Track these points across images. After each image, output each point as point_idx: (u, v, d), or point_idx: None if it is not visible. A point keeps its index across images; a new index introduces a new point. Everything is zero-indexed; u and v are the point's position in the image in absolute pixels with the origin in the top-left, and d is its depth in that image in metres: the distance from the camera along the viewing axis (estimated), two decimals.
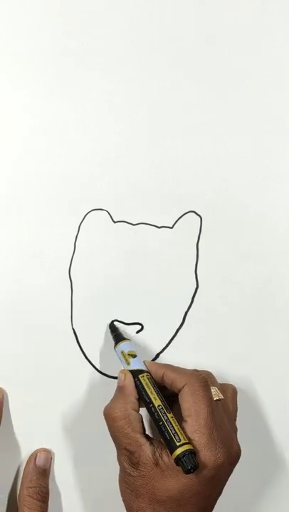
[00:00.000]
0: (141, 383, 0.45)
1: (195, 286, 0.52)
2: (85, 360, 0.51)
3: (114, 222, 0.53)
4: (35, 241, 0.52)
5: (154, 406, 0.43)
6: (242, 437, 0.45)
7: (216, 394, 0.45)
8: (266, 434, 0.51)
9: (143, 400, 0.45)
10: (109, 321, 0.51)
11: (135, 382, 0.46)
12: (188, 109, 0.54)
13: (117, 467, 0.45)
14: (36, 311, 0.52)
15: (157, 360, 0.51)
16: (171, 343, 0.51)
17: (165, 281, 0.52)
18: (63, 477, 0.51)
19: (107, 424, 0.45)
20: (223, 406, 0.45)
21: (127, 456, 0.43)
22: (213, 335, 0.52)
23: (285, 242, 0.53)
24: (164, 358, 0.51)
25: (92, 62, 0.54)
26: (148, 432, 0.46)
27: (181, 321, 0.51)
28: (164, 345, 0.51)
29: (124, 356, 0.48)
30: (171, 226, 0.53)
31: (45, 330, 0.51)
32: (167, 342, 0.51)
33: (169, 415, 0.43)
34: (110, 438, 0.45)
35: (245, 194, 0.53)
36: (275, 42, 0.55)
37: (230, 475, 0.44)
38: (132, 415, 0.44)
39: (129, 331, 0.51)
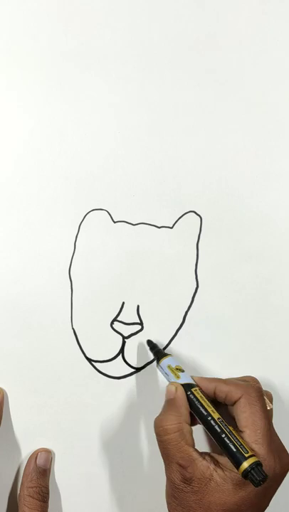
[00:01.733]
0: (195, 396, 0.44)
1: (195, 286, 0.52)
2: (85, 360, 0.51)
3: (114, 222, 0.53)
4: (35, 241, 0.52)
5: (213, 419, 0.43)
6: None
7: (267, 403, 0.45)
8: None
9: (199, 414, 0.44)
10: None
11: (188, 395, 0.45)
12: (188, 109, 0.54)
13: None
14: (36, 311, 0.52)
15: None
16: (171, 343, 0.51)
17: (165, 281, 0.52)
18: (63, 477, 0.51)
19: (158, 437, 0.44)
20: (271, 414, 0.45)
21: (178, 471, 0.42)
22: (213, 335, 0.52)
23: (285, 241, 0.53)
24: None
25: (92, 62, 0.54)
26: None
27: (181, 321, 0.51)
28: (164, 345, 0.51)
29: (173, 371, 0.47)
30: (171, 226, 0.53)
31: (45, 330, 0.51)
32: (167, 342, 0.51)
33: (230, 428, 0.42)
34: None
35: (245, 194, 0.53)
36: (275, 42, 0.55)
37: (280, 485, 0.43)
38: (185, 428, 0.43)
39: (129, 331, 0.51)
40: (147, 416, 0.50)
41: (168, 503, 0.44)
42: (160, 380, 0.51)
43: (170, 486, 0.43)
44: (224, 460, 0.42)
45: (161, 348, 0.51)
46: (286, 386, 0.52)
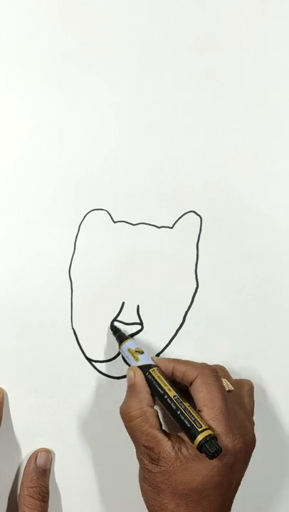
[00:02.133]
0: (152, 377, 0.45)
1: (195, 286, 0.52)
2: (85, 360, 0.51)
3: (114, 222, 0.53)
4: (35, 241, 0.52)
5: (169, 397, 0.44)
6: None
7: (225, 385, 0.45)
8: (266, 433, 0.51)
9: (156, 393, 0.45)
10: (109, 323, 0.51)
11: (146, 377, 0.46)
12: (188, 109, 0.54)
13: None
14: (36, 311, 0.52)
15: None
16: (171, 343, 0.51)
17: (165, 281, 0.52)
18: (63, 477, 0.51)
19: (124, 423, 0.45)
20: (237, 398, 0.46)
21: (146, 453, 0.43)
22: (213, 335, 0.52)
23: (285, 241, 0.53)
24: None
25: (92, 62, 0.54)
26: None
27: (181, 321, 0.51)
28: (164, 345, 0.51)
29: (132, 353, 0.48)
30: (171, 226, 0.53)
31: (45, 330, 0.51)
32: (167, 342, 0.51)
33: (186, 404, 0.43)
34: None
35: (245, 194, 0.53)
36: (275, 42, 0.55)
37: (247, 464, 0.44)
38: (148, 412, 0.44)
39: (129, 331, 0.51)
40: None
41: (140, 486, 0.45)
42: None
43: (141, 468, 0.44)
44: (188, 439, 0.42)
45: (161, 348, 0.51)
46: (286, 386, 0.52)
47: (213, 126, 0.54)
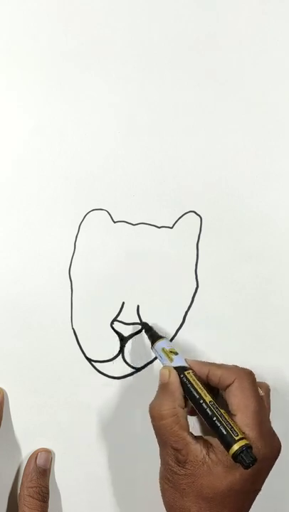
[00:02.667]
0: (188, 379, 0.45)
1: (195, 286, 0.52)
2: (85, 360, 0.51)
3: (114, 222, 0.53)
4: (35, 241, 0.52)
5: (205, 402, 0.43)
6: None
7: (259, 390, 0.45)
8: None
9: (191, 396, 0.44)
10: (109, 322, 0.51)
11: (181, 379, 0.45)
12: (188, 109, 0.54)
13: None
14: (36, 311, 0.52)
15: (157, 361, 0.51)
16: (171, 343, 0.51)
17: (165, 281, 0.52)
18: (63, 477, 0.51)
19: (154, 422, 0.44)
20: (265, 402, 0.46)
21: (173, 454, 0.43)
22: (213, 335, 0.52)
23: (285, 242, 0.53)
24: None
25: (92, 62, 0.54)
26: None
27: (181, 321, 0.51)
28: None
29: (166, 353, 0.47)
30: (171, 226, 0.53)
31: (45, 330, 0.51)
32: None
33: (222, 411, 0.43)
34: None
35: (245, 194, 0.53)
36: (275, 42, 0.55)
37: (270, 470, 0.44)
38: (179, 412, 0.44)
39: (129, 331, 0.51)
40: (147, 416, 0.50)
41: (161, 485, 0.45)
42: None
43: (165, 469, 0.44)
44: (217, 443, 0.42)
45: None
46: (286, 386, 0.52)
47: (213, 126, 0.54)
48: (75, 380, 0.51)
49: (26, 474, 0.50)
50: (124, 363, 0.51)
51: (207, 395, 0.43)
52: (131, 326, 0.51)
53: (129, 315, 0.52)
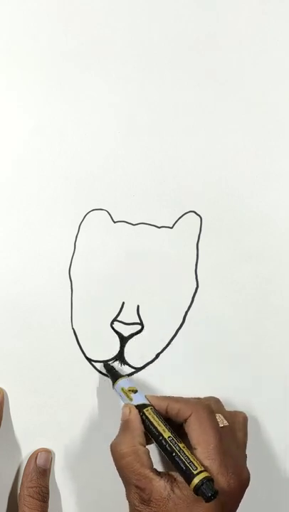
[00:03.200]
0: (147, 417, 0.45)
1: (195, 286, 0.52)
2: (85, 360, 0.51)
3: (114, 222, 0.53)
4: (35, 241, 0.52)
5: (164, 438, 0.43)
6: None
7: (220, 421, 0.45)
8: (266, 433, 0.51)
9: (151, 433, 0.44)
10: (109, 323, 0.51)
11: (140, 416, 0.45)
12: (188, 109, 0.54)
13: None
14: (36, 311, 0.52)
15: (157, 361, 0.51)
16: (171, 343, 0.51)
17: (165, 281, 0.52)
18: (63, 477, 0.51)
19: (115, 461, 0.44)
20: (231, 433, 0.46)
21: (137, 493, 0.42)
22: (213, 335, 0.52)
23: (285, 242, 0.53)
24: (164, 358, 0.51)
25: (92, 62, 0.54)
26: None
27: (181, 321, 0.51)
28: (164, 346, 0.51)
29: (126, 393, 0.47)
30: (171, 226, 0.53)
31: (45, 330, 0.51)
32: (167, 342, 0.51)
33: (181, 445, 0.43)
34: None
35: (245, 194, 0.53)
36: (275, 42, 0.55)
37: (240, 502, 0.43)
38: (140, 450, 0.43)
39: (129, 331, 0.51)
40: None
41: None
42: (160, 380, 0.51)
43: (131, 509, 0.43)
44: (181, 478, 0.42)
45: (161, 348, 0.51)
46: (287, 386, 0.52)
47: (213, 126, 0.54)
48: (75, 380, 0.51)
49: (26, 474, 0.49)
50: (124, 363, 0.51)
51: (166, 430, 0.44)
52: (131, 326, 0.51)
53: (129, 315, 0.52)
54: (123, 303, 0.52)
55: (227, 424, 0.46)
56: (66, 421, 0.51)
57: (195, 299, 0.52)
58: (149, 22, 0.55)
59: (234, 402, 0.51)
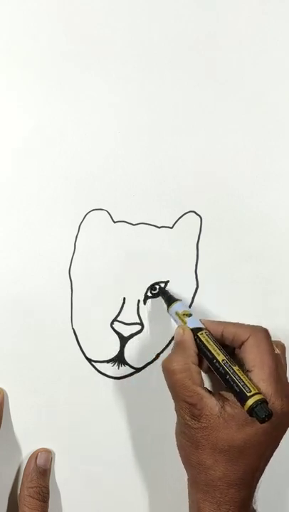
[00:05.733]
0: (201, 340, 0.45)
1: (195, 286, 0.52)
2: (85, 360, 0.51)
3: (114, 222, 0.53)
4: (35, 241, 0.52)
5: (218, 361, 0.44)
6: None
7: (275, 348, 0.46)
8: None
9: (205, 356, 0.45)
10: (109, 322, 0.51)
11: (195, 340, 0.46)
12: (189, 109, 0.54)
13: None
14: (36, 311, 0.52)
15: (157, 361, 0.51)
16: (172, 343, 0.51)
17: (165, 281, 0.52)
18: (63, 477, 0.51)
19: (166, 377, 0.45)
20: (281, 360, 0.46)
21: (187, 408, 0.43)
22: None
23: (285, 241, 0.53)
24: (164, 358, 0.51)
25: (92, 62, 0.54)
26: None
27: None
28: (164, 345, 0.51)
29: (180, 316, 0.48)
30: (171, 226, 0.53)
31: (45, 330, 0.51)
32: (167, 342, 0.51)
33: (235, 368, 0.43)
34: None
35: (245, 194, 0.53)
36: (275, 42, 0.55)
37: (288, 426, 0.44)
38: (192, 368, 0.44)
39: (129, 331, 0.51)
40: (147, 416, 0.50)
41: (177, 440, 0.45)
42: (160, 380, 0.51)
43: (180, 423, 0.44)
44: (233, 398, 0.42)
45: (161, 348, 0.51)
46: None
47: (213, 126, 0.54)
48: (75, 380, 0.51)
49: (26, 474, 0.50)
50: (124, 363, 0.51)
51: (220, 353, 0.44)
52: (131, 326, 0.51)
53: (129, 315, 0.52)
54: (123, 303, 0.52)
55: (279, 352, 0.46)
56: (66, 421, 0.51)
57: (195, 299, 0.52)
58: (149, 22, 0.55)
59: None
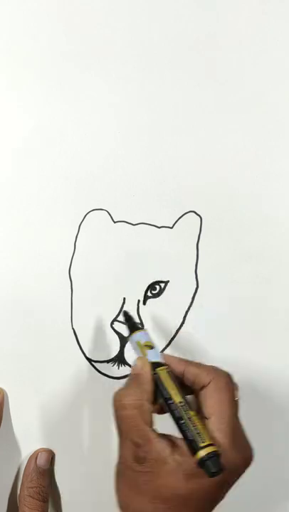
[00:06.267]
0: (159, 377, 0.41)
1: (195, 286, 0.52)
2: (85, 360, 0.51)
3: (114, 222, 0.53)
4: (35, 241, 0.52)
5: (174, 403, 0.40)
6: None
7: (236, 394, 0.43)
8: (265, 433, 0.51)
9: (161, 395, 0.41)
10: (109, 322, 0.51)
11: (153, 375, 0.42)
12: (189, 109, 0.54)
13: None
14: (36, 311, 0.52)
15: None
16: (171, 343, 0.51)
17: (165, 281, 0.52)
18: (63, 477, 0.51)
19: (115, 411, 0.41)
20: (239, 407, 0.44)
21: (132, 449, 0.39)
22: (213, 335, 0.52)
23: (285, 242, 0.53)
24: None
25: (92, 62, 0.54)
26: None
27: (181, 321, 0.51)
28: (164, 345, 0.51)
29: (141, 347, 0.44)
30: (171, 226, 0.53)
31: (45, 330, 0.51)
32: (167, 342, 0.51)
33: (192, 413, 0.40)
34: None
35: (245, 194, 0.53)
36: (275, 42, 0.55)
37: (238, 480, 0.41)
38: (144, 406, 0.40)
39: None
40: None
41: (116, 483, 0.41)
42: None
43: (121, 464, 0.41)
44: (183, 445, 0.39)
45: (161, 348, 0.51)
46: (287, 386, 0.52)
47: (213, 126, 0.54)
48: (75, 380, 0.51)
49: (26, 474, 0.50)
50: (124, 363, 0.51)
51: (178, 394, 0.41)
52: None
53: None
54: (123, 303, 0.52)
55: (238, 398, 0.43)
56: (66, 421, 0.51)
57: (195, 299, 0.52)
58: (149, 22, 0.55)
59: None
